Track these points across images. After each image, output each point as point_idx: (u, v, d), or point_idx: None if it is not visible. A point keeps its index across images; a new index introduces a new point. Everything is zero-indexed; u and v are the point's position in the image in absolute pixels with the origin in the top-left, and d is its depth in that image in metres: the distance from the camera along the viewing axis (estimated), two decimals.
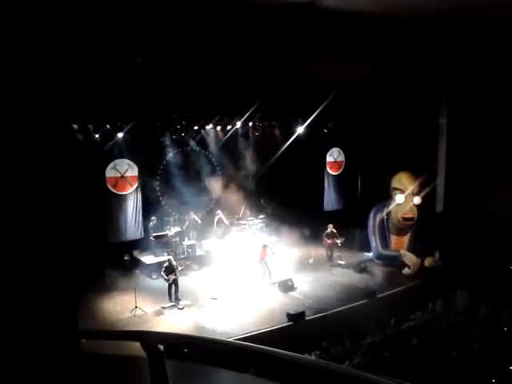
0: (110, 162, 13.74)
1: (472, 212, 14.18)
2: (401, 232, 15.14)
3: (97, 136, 13.30)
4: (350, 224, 15.99)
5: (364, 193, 15.89)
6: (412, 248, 14.71)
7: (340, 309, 11.47)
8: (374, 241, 15.16)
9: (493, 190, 14.76)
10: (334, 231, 14.72)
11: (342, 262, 14.87)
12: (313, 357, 8.32)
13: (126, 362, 2.59)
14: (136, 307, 11.08)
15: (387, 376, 1.42)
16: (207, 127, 15.45)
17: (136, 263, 13.97)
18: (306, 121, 16.08)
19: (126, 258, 14.05)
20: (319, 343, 9.69)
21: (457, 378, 7.50)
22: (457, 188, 14.37)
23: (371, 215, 15.37)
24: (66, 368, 2.42)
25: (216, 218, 15.42)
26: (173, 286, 11.64)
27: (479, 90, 14.04)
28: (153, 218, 14.38)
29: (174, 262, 11.86)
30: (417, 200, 14.64)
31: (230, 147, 16.19)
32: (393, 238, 15.16)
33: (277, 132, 16.89)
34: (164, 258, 13.11)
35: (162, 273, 11.66)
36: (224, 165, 16.34)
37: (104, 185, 13.68)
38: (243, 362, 1.84)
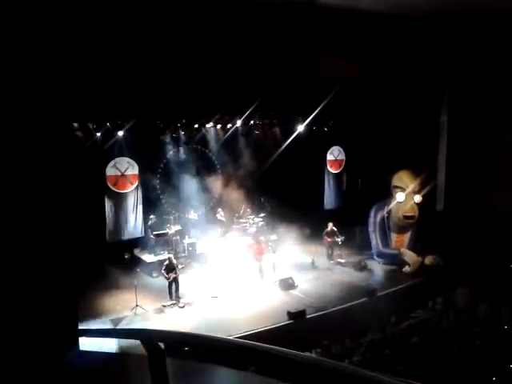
0: (110, 161, 13.74)
1: (472, 210, 14.17)
2: (401, 230, 15.14)
3: (97, 134, 13.32)
4: (351, 222, 15.99)
5: (364, 191, 15.88)
6: (412, 246, 14.70)
7: (340, 307, 11.48)
8: (375, 239, 15.16)
9: (493, 188, 14.76)
10: (335, 229, 14.73)
11: (343, 261, 14.88)
12: (313, 355, 8.33)
13: (126, 360, 2.60)
14: (137, 305, 11.08)
15: (387, 374, 1.43)
16: (207, 125, 15.46)
17: (136, 261, 13.97)
18: (306, 119, 16.08)
19: (126, 256, 14.06)
20: (320, 341, 9.70)
21: (457, 376, 7.50)
22: (457, 186, 14.37)
23: (372, 213, 15.37)
24: (67, 366, 2.43)
25: (217, 217, 15.43)
26: (173, 285, 11.65)
27: (480, 89, 14.03)
28: (152, 216, 14.39)
29: (174, 261, 11.88)
30: (417, 198, 14.64)
31: (230, 146, 16.19)
32: (393, 236, 15.16)
33: (277, 130, 16.90)
34: (164, 256, 13.12)
35: (163, 271, 11.67)
36: (224, 163, 16.34)
37: (104, 183, 13.68)
38: (244, 359, 1.85)
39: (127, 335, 2.84)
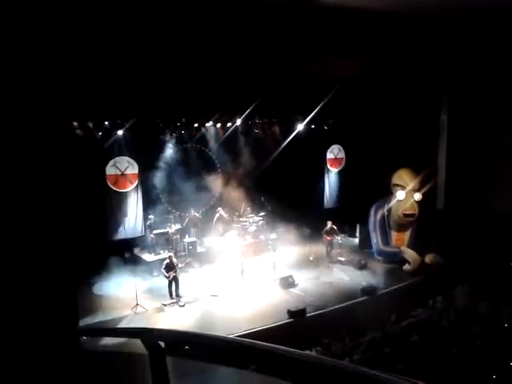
0: (110, 160, 13.72)
1: (472, 209, 14.18)
2: (401, 228, 15.15)
3: (97, 133, 13.31)
4: (351, 221, 15.99)
5: (364, 189, 15.87)
6: (412, 244, 14.71)
7: (340, 305, 11.49)
8: (375, 237, 15.17)
9: (493, 187, 14.76)
10: (334, 228, 14.74)
11: (343, 259, 14.89)
12: (313, 353, 8.33)
13: (127, 359, 2.60)
14: (137, 304, 11.09)
15: (388, 372, 1.42)
16: (207, 124, 15.44)
17: (136, 261, 13.98)
18: (306, 118, 16.07)
19: (126, 255, 14.07)
20: (320, 340, 9.71)
21: (457, 374, 7.51)
22: (457, 185, 14.37)
23: (372, 212, 15.38)
24: (67, 365, 2.43)
25: (216, 216, 15.43)
26: (173, 283, 11.67)
27: (480, 88, 14.02)
28: (151, 216, 14.39)
29: (174, 260, 11.89)
30: (417, 196, 14.65)
31: (230, 145, 16.18)
32: (393, 235, 15.17)
33: (277, 129, 16.88)
34: (164, 255, 13.13)
35: (163, 270, 11.69)
36: (224, 162, 16.33)
37: (104, 182, 13.67)
38: (244, 358, 1.85)
39: (127, 334, 2.83)
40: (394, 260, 14.53)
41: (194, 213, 15.12)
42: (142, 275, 13.03)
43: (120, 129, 13.45)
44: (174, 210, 15.16)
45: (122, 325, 10.28)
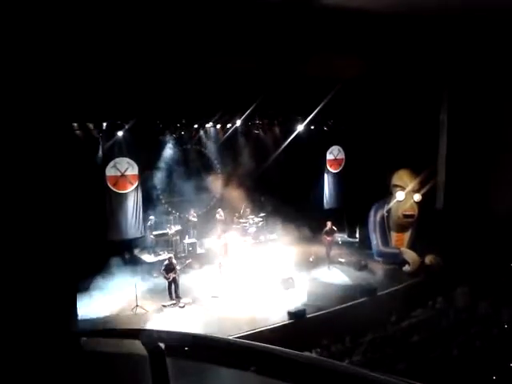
0: (110, 161, 13.72)
1: (472, 209, 14.17)
2: (401, 229, 15.14)
3: (97, 134, 13.31)
4: (351, 221, 15.98)
5: (364, 190, 15.87)
6: (412, 245, 14.71)
7: (340, 306, 11.49)
8: (375, 238, 15.16)
9: (493, 187, 14.76)
10: (334, 228, 14.73)
11: (343, 260, 14.88)
12: (313, 354, 8.33)
13: (126, 361, 2.59)
14: (137, 305, 11.09)
15: (388, 374, 1.42)
16: (207, 125, 15.45)
17: (136, 262, 13.97)
18: (306, 119, 16.07)
19: (126, 256, 14.06)
20: (320, 341, 9.71)
21: (457, 375, 7.50)
22: (457, 185, 14.37)
23: (371, 212, 15.37)
24: (66, 366, 2.42)
25: (216, 217, 15.43)
26: (173, 285, 11.66)
27: (480, 87, 14.02)
28: (151, 217, 14.39)
29: (174, 261, 11.89)
30: (417, 197, 14.64)
31: (230, 145, 16.18)
32: (393, 235, 15.17)
33: (277, 130, 16.89)
34: (164, 256, 13.12)
35: (162, 271, 11.68)
36: (224, 163, 16.33)
37: (104, 183, 13.66)
38: (244, 359, 1.84)
39: (127, 335, 2.83)
40: (394, 261, 14.52)
41: (194, 214, 15.11)
42: (141, 276, 13.03)
43: (120, 130, 13.46)
44: (173, 211, 15.16)
45: (122, 326, 10.26)
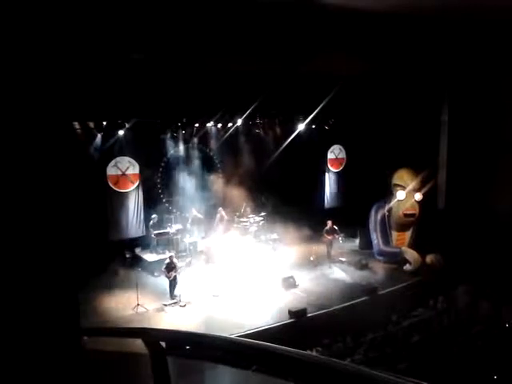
0: (111, 160, 13.73)
1: (473, 208, 14.16)
2: (402, 228, 15.14)
3: (98, 134, 13.32)
4: (352, 221, 15.97)
5: (365, 189, 15.86)
6: (413, 244, 14.70)
7: (341, 306, 11.48)
8: (376, 237, 15.16)
9: (494, 187, 14.74)
10: (335, 227, 14.73)
11: (343, 259, 14.87)
12: (314, 353, 8.33)
13: (128, 359, 2.59)
14: (138, 304, 11.10)
15: (389, 372, 1.42)
16: (208, 124, 15.44)
17: (138, 261, 13.97)
18: (307, 118, 16.07)
19: (127, 255, 14.06)
20: (321, 340, 9.71)
21: (458, 374, 7.50)
22: (458, 184, 14.36)
23: (372, 212, 15.36)
24: (68, 365, 2.42)
25: (217, 216, 15.43)
26: (174, 284, 11.68)
27: (481, 87, 14.01)
28: (154, 215, 14.38)
29: (175, 260, 11.89)
30: (418, 196, 14.63)
31: (231, 144, 16.17)
32: (394, 235, 15.16)
33: (278, 129, 16.88)
34: (165, 255, 13.13)
35: (163, 269, 11.69)
36: (225, 162, 16.33)
37: (105, 182, 13.68)
38: (245, 358, 1.84)
39: (128, 334, 2.83)
40: (395, 260, 14.51)
41: (196, 213, 15.11)
42: (142, 275, 13.03)
43: (121, 129, 13.46)
44: (174, 210, 15.16)
45: (123, 325, 10.27)
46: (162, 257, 13.50)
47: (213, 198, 16.04)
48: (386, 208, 15.13)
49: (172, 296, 11.66)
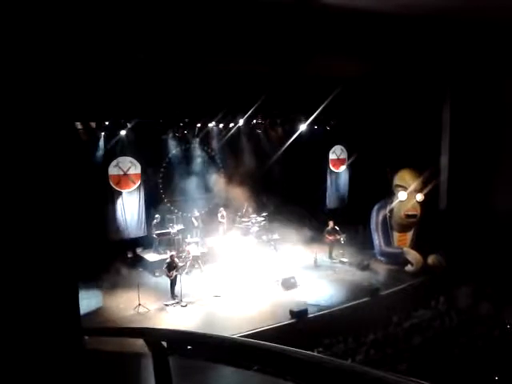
0: (112, 160, 13.75)
1: (475, 209, 14.14)
2: (404, 229, 15.12)
3: (100, 134, 13.34)
4: (353, 221, 15.97)
5: (367, 190, 15.86)
6: (415, 245, 14.68)
7: (343, 306, 11.48)
8: (377, 238, 15.14)
9: (496, 188, 14.72)
10: (336, 228, 14.72)
11: (345, 260, 14.86)
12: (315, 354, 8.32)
13: (129, 359, 2.60)
14: (139, 304, 11.11)
15: (390, 373, 1.42)
16: (210, 125, 15.45)
17: (139, 261, 14.00)
18: (308, 118, 16.07)
19: (128, 255, 14.08)
20: (322, 340, 9.70)
21: (460, 375, 7.50)
22: (460, 185, 14.33)
23: (374, 212, 15.35)
24: (70, 365, 2.43)
25: (219, 216, 15.43)
26: (175, 283, 11.70)
27: (482, 87, 13.99)
28: (156, 215, 14.39)
29: (176, 259, 11.90)
30: (419, 197, 14.61)
31: (232, 145, 16.18)
32: (396, 235, 15.14)
33: (279, 129, 16.89)
34: (167, 255, 13.14)
35: (165, 269, 11.71)
36: (227, 162, 16.34)
37: (107, 182, 13.70)
38: (246, 358, 1.85)
39: (130, 334, 2.84)
40: (397, 261, 14.50)
41: (197, 213, 15.12)
42: (144, 275, 13.03)
43: (123, 129, 13.48)
44: (176, 210, 15.18)
45: (125, 324, 10.28)
46: (163, 257, 13.51)
47: (214, 198, 16.05)
48: (388, 209, 15.11)
49: (173, 296, 11.67)
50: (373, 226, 15.31)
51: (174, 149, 15.29)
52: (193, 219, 15.04)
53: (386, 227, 15.12)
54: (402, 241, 15.04)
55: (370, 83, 14.04)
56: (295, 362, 1.52)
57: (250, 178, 16.22)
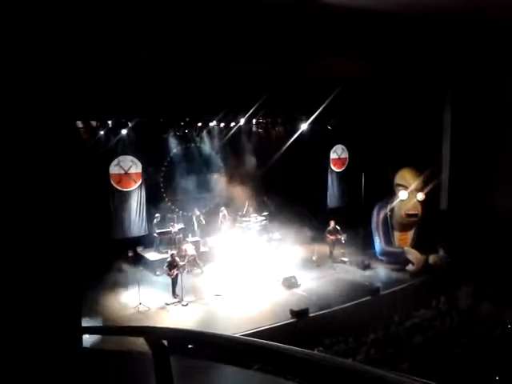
0: (113, 159, 13.75)
1: (476, 209, 14.13)
2: (404, 228, 15.11)
3: (101, 132, 13.33)
4: (354, 221, 15.96)
5: (368, 189, 15.85)
6: (416, 245, 14.67)
7: (343, 306, 11.47)
8: (378, 237, 15.13)
9: (497, 187, 14.71)
10: (337, 227, 14.72)
11: (346, 259, 14.86)
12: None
13: (129, 358, 2.60)
14: (140, 303, 11.11)
15: (392, 372, 1.42)
16: (211, 124, 15.44)
17: (140, 259, 14.00)
18: (309, 118, 16.04)
19: (129, 254, 14.09)
20: (322, 340, 9.70)
21: (460, 375, 7.49)
22: (461, 184, 14.33)
23: (375, 212, 15.34)
24: (71, 363, 2.43)
25: (220, 215, 15.43)
26: (176, 282, 11.70)
27: (483, 87, 13.97)
28: (157, 214, 14.39)
29: (177, 258, 11.90)
30: (420, 196, 14.60)
31: (233, 144, 16.17)
32: (396, 235, 15.13)
33: (280, 129, 16.88)
34: (168, 254, 13.14)
35: (165, 268, 11.70)
36: (228, 162, 16.33)
37: (108, 181, 13.70)
38: (247, 357, 1.84)
39: (130, 332, 2.84)
40: (397, 260, 14.49)
41: (198, 212, 15.12)
42: (145, 274, 13.03)
43: (124, 128, 13.48)
44: (177, 210, 15.18)
45: (125, 323, 10.29)
46: (164, 256, 13.51)
47: (215, 198, 16.05)
48: (388, 208, 15.10)
49: (174, 295, 11.67)
50: (373, 225, 15.30)
51: (174, 148, 15.28)
52: (194, 218, 15.04)
53: (387, 227, 15.11)
54: (403, 240, 15.03)
55: (371, 83, 14.02)
56: (296, 361, 1.52)
57: (251, 177, 16.22)
